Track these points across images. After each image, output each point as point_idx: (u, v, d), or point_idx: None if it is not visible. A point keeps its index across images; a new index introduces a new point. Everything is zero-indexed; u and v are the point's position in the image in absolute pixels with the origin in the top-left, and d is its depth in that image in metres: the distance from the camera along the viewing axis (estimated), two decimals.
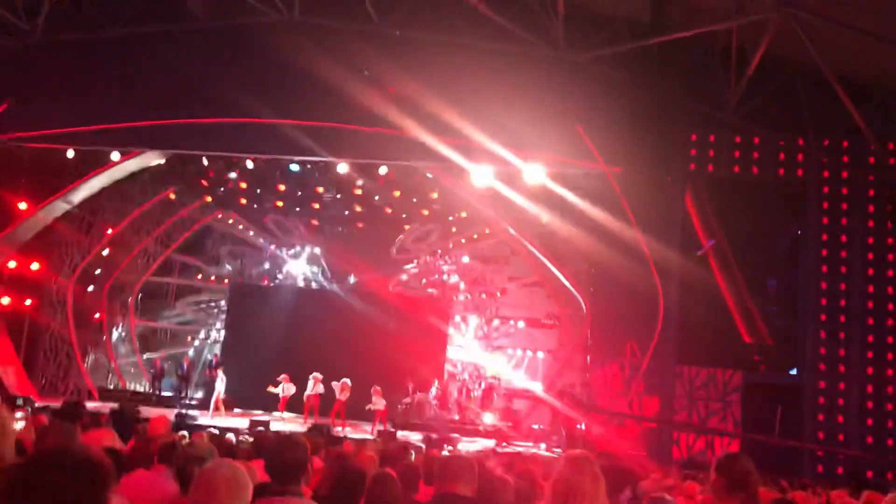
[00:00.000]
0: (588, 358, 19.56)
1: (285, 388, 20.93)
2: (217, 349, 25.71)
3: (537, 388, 22.33)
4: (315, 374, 20.86)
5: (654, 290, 17.58)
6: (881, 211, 17.84)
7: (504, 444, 18.87)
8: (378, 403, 20.11)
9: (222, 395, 20.82)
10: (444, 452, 10.88)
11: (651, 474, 11.23)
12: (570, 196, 18.38)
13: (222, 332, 26.00)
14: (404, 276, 25.78)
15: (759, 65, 16.90)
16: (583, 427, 18.60)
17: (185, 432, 9.39)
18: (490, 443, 19.05)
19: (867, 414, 17.37)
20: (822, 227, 18.12)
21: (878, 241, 17.87)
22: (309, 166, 21.95)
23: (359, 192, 22.89)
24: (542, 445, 19.59)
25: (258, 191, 24.28)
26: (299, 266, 26.72)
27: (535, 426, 21.45)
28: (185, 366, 23.96)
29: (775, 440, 16.64)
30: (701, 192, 19.66)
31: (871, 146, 17.64)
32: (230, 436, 9.50)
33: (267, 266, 27.01)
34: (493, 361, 24.04)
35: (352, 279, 25.93)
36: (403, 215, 24.81)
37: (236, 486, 3.01)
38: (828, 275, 17.93)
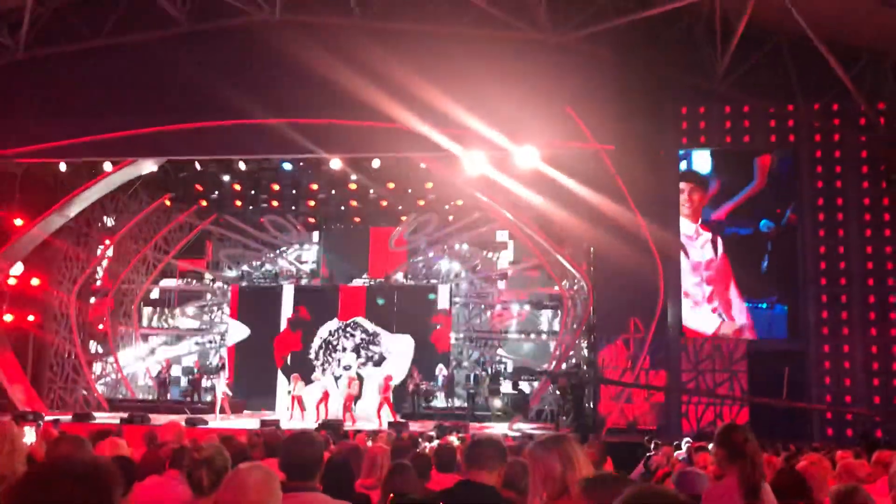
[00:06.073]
0: (592, 336, 19.60)
1: (297, 388, 21.19)
2: (223, 353, 25.76)
3: (542, 369, 22.37)
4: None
5: (653, 264, 17.63)
6: (875, 171, 17.85)
7: (514, 427, 18.93)
8: (387, 393, 20.40)
9: (230, 395, 21.20)
10: (453, 439, 10.92)
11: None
12: (564, 178, 18.35)
13: (226, 336, 26.04)
14: (403, 268, 25.77)
15: (744, 33, 16.87)
16: (591, 406, 18.68)
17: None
18: (501, 427, 19.11)
19: (873, 375, 17.44)
20: (818, 190, 18.13)
21: (873, 201, 17.89)
22: (301, 164, 21.92)
23: (353, 186, 22.94)
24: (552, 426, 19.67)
25: (252, 192, 24.36)
26: (299, 264, 26.72)
27: (546, 406, 21.54)
28: (196, 370, 24.18)
29: (784, 402, 16.65)
30: None
31: (861, 108, 17.63)
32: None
33: (267, 266, 27.01)
34: (498, 346, 24.10)
35: (351, 273, 25.92)
36: (399, 207, 24.83)
37: (267, 489, 3.04)
38: (825, 238, 17.96)
